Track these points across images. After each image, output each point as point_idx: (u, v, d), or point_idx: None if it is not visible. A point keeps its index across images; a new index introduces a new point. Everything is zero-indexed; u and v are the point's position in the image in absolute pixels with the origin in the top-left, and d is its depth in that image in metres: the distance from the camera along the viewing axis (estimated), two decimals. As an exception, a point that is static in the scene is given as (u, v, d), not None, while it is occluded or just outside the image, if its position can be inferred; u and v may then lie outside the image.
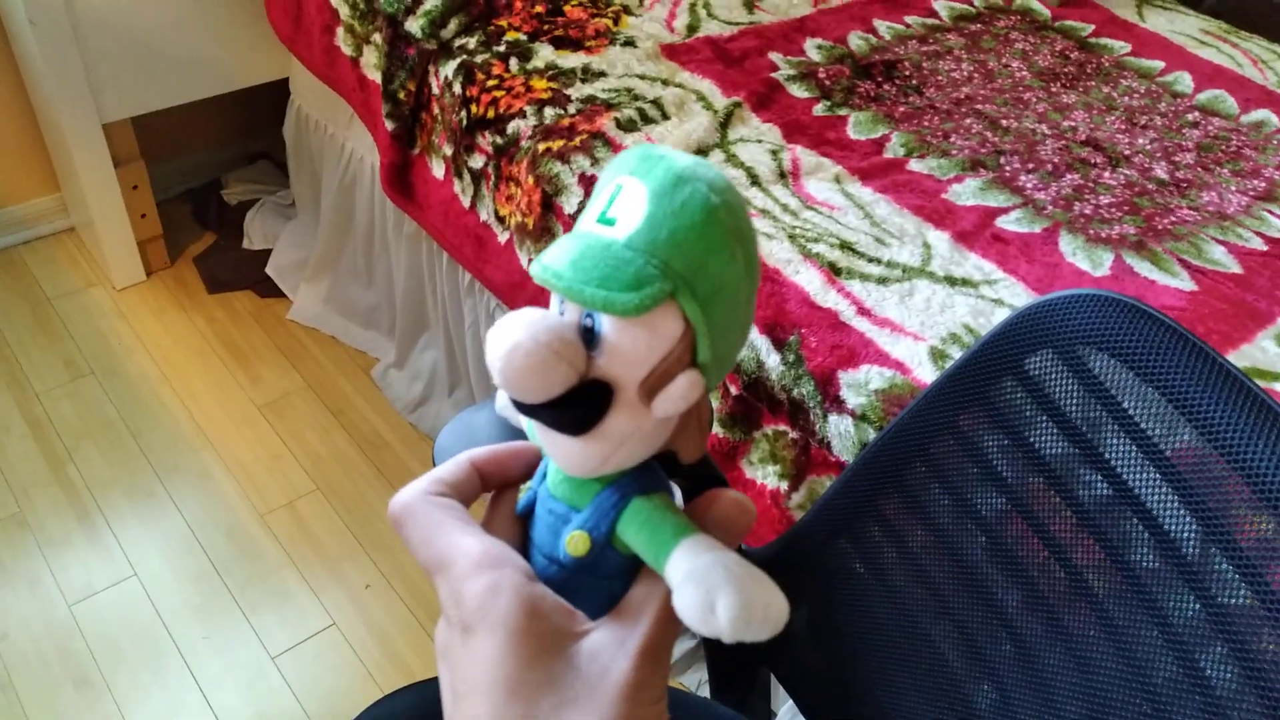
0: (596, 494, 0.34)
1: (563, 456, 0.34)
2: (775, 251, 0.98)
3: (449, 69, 1.26)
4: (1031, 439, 0.44)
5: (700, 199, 0.31)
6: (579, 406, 0.31)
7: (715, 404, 0.96)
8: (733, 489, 0.35)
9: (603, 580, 0.35)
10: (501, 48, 1.28)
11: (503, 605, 0.31)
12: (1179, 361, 0.36)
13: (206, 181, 1.99)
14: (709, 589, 0.30)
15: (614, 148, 1.12)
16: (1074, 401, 0.41)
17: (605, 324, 0.31)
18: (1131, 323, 0.38)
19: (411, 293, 1.55)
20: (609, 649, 0.32)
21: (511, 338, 0.31)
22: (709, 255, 0.31)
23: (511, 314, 0.32)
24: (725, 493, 0.35)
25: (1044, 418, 0.43)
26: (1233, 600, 0.36)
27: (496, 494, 0.38)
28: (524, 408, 0.32)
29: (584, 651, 0.32)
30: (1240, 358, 0.90)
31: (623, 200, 0.32)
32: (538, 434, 0.34)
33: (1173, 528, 0.38)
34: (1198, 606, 0.37)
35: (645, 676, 0.32)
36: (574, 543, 0.34)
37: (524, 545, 0.37)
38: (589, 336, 0.32)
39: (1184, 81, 1.38)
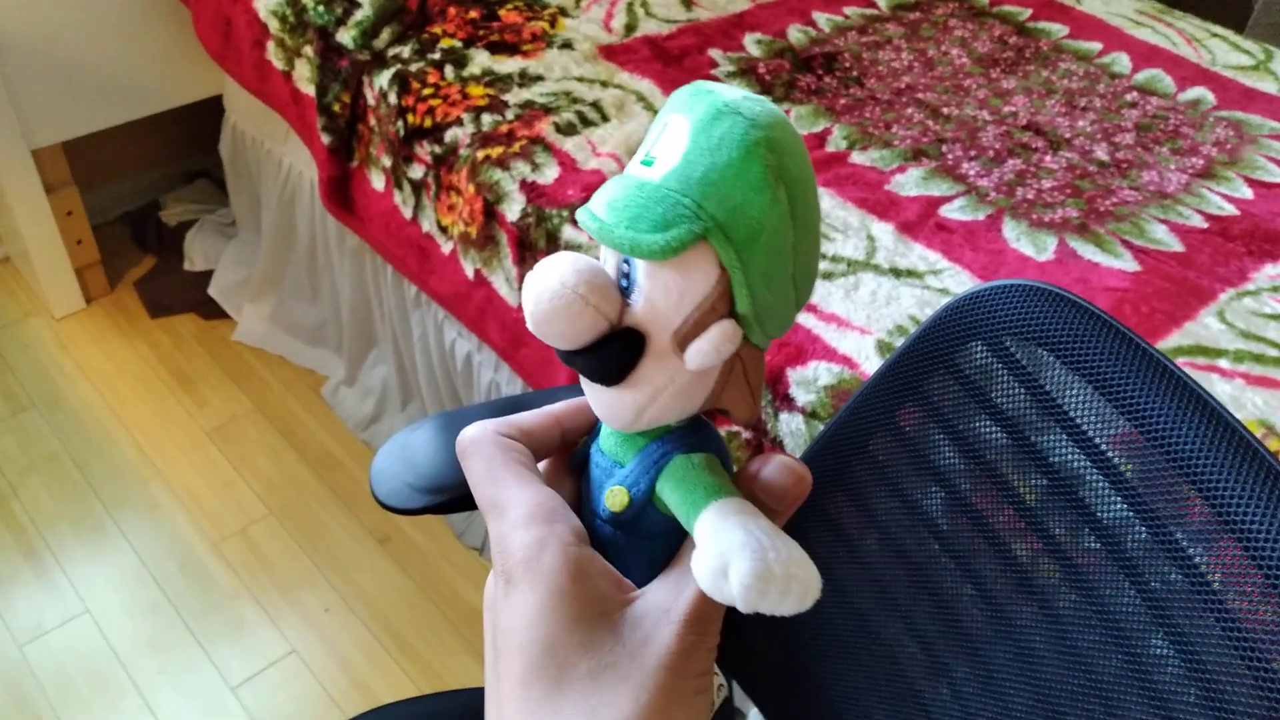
0: (641, 449, 0.33)
1: (601, 407, 0.32)
2: (719, 250, 0.97)
3: (383, 79, 1.24)
4: (966, 433, 0.43)
5: (739, 134, 0.29)
6: (610, 354, 0.30)
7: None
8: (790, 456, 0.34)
9: (642, 540, 0.33)
10: (436, 55, 1.26)
11: (547, 562, 0.30)
12: (1103, 348, 0.35)
13: (144, 203, 1.95)
14: (723, 552, 0.28)
15: (554, 153, 1.11)
16: (1005, 393, 0.40)
17: (639, 270, 0.30)
18: (1055, 311, 0.37)
19: (358, 308, 1.52)
20: (652, 616, 0.31)
21: (542, 281, 0.30)
22: (746, 195, 0.28)
23: (549, 257, 0.30)
24: (778, 456, 0.33)
25: (978, 411, 0.42)
26: (1169, 586, 0.36)
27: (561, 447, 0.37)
28: (560, 354, 0.31)
29: (627, 619, 0.31)
30: (1185, 335, 0.90)
31: (666, 138, 0.30)
32: (583, 385, 0.33)
33: (1107, 517, 0.37)
34: (1135, 594, 0.36)
35: (689, 646, 0.30)
36: (613, 497, 0.33)
37: (578, 501, 0.36)
38: (625, 283, 0.30)
39: (1121, 62, 1.39)
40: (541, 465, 0.36)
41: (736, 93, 0.30)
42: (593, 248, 1.02)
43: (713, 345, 0.29)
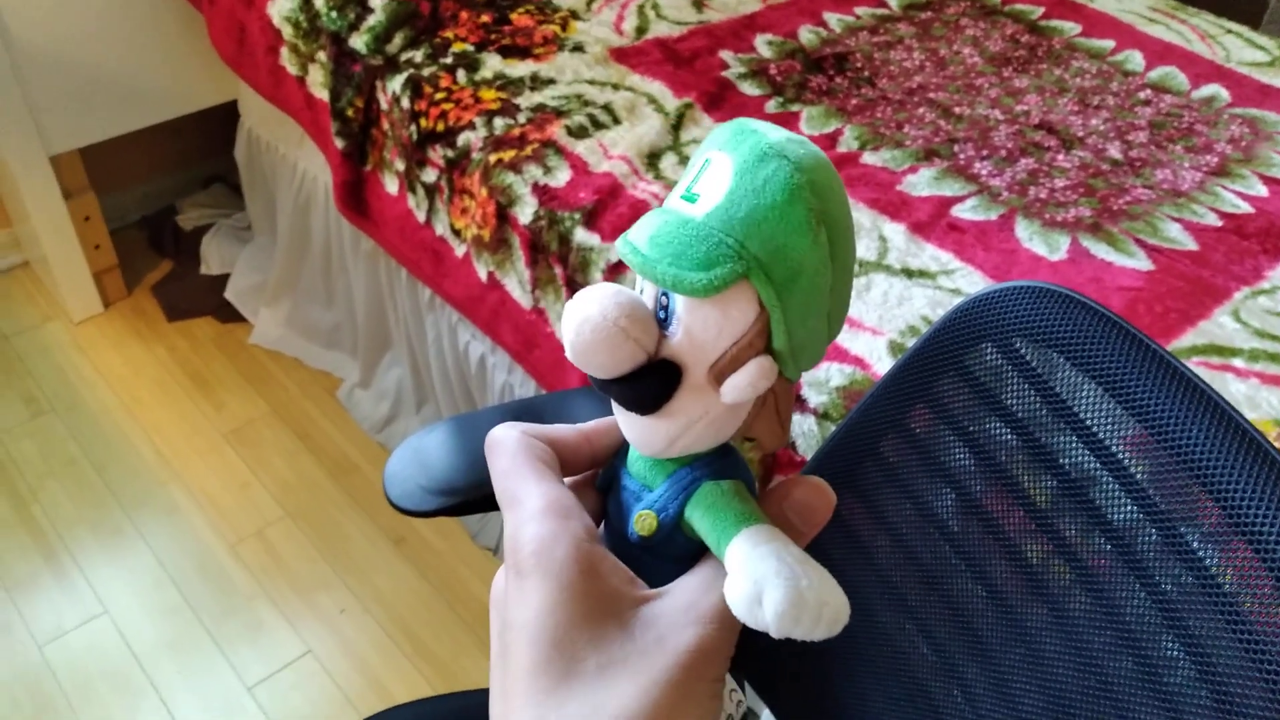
0: (670, 474, 0.33)
1: (633, 434, 0.33)
2: (731, 252, 0.97)
3: (396, 84, 1.24)
4: (977, 434, 0.43)
5: (784, 177, 0.29)
6: (646, 385, 0.31)
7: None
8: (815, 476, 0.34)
9: (668, 564, 0.34)
10: (449, 59, 1.26)
11: (559, 555, 0.31)
12: (1114, 350, 0.35)
13: (161, 208, 1.96)
14: (758, 580, 0.29)
15: (566, 156, 1.11)
16: (1015, 394, 0.40)
17: (679, 303, 0.30)
18: (1066, 313, 0.37)
19: (373, 311, 1.53)
20: (669, 616, 0.31)
21: (583, 311, 0.30)
22: (789, 237, 0.29)
23: (589, 288, 0.31)
24: (806, 478, 0.34)
25: (988, 412, 0.42)
26: (1180, 588, 0.36)
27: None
28: (597, 382, 0.32)
29: (640, 618, 0.31)
30: (1199, 334, 0.90)
31: (708, 175, 0.31)
32: (615, 410, 0.34)
33: (1118, 519, 0.37)
34: (1146, 596, 0.36)
35: (711, 646, 0.30)
36: (642, 521, 0.33)
37: (600, 521, 0.37)
38: (664, 315, 0.31)
39: (1135, 60, 1.38)
40: (568, 481, 0.36)
41: (781, 134, 0.31)
42: (595, 261, 1.02)
43: (749, 381, 0.30)
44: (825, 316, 0.32)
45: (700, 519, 0.32)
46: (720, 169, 0.30)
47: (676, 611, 0.31)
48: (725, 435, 0.33)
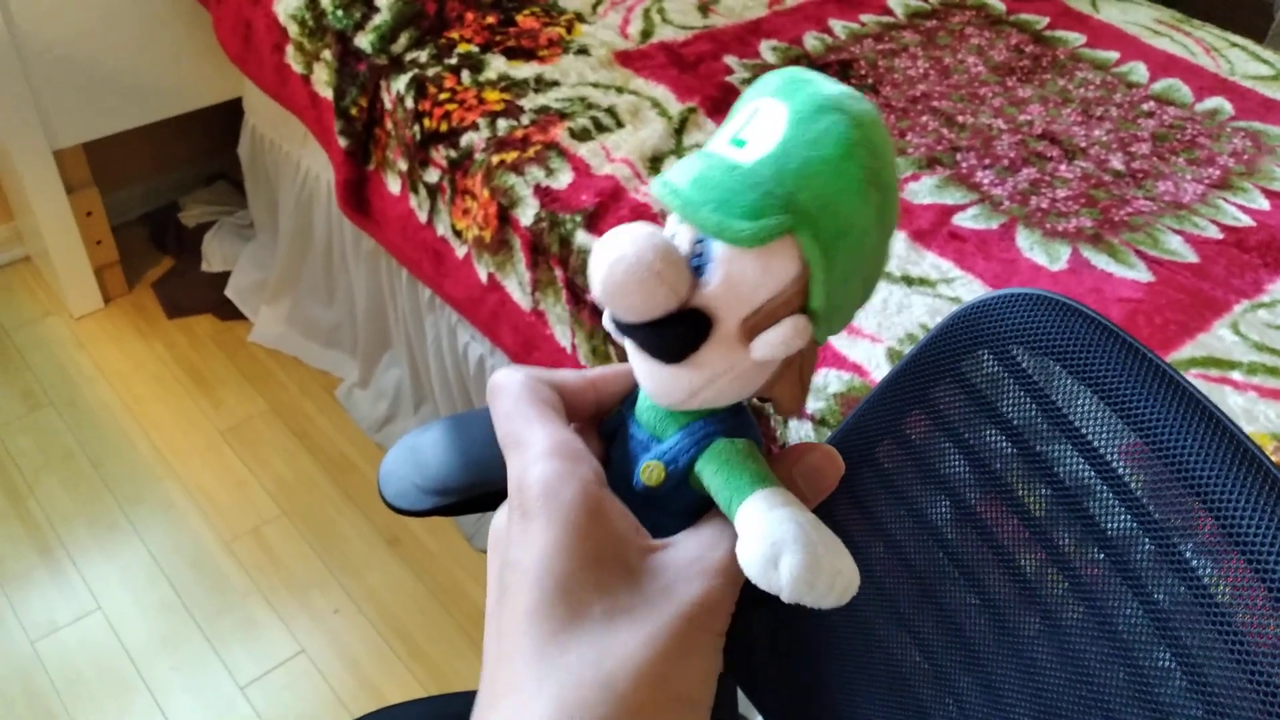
0: (681, 427, 0.32)
1: (651, 383, 0.32)
2: (731, 257, 0.97)
3: (400, 83, 1.24)
4: (973, 442, 0.43)
5: (840, 131, 0.28)
6: (674, 333, 0.29)
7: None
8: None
9: (669, 517, 0.33)
10: (453, 60, 1.26)
11: (567, 496, 0.30)
12: (1111, 359, 0.35)
13: (163, 204, 1.97)
14: (776, 543, 0.28)
15: (568, 158, 1.11)
16: (1012, 403, 0.40)
17: (717, 251, 0.29)
18: (1063, 321, 0.37)
19: (373, 310, 1.53)
20: (675, 567, 0.30)
21: (616, 251, 0.29)
22: (840, 194, 0.28)
23: (621, 227, 0.29)
24: (817, 444, 0.33)
25: (984, 420, 0.42)
26: (1175, 600, 0.35)
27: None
28: (620, 326, 0.31)
29: (647, 567, 0.30)
30: (1198, 347, 0.90)
31: (759, 122, 0.29)
32: (631, 357, 0.33)
33: (1113, 529, 0.37)
34: (1140, 608, 0.36)
35: (717, 600, 0.30)
36: (649, 472, 0.32)
37: (607, 469, 0.35)
38: (698, 262, 0.29)
39: (1139, 71, 1.38)
40: (571, 428, 0.35)
41: (838, 87, 0.29)
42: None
43: (782, 339, 0.29)
44: (863, 280, 0.30)
45: (713, 475, 0.31)
46: (772, 117, 0.29)
47: (684, 563, 0.30)
48: (748, 392, 0.32)
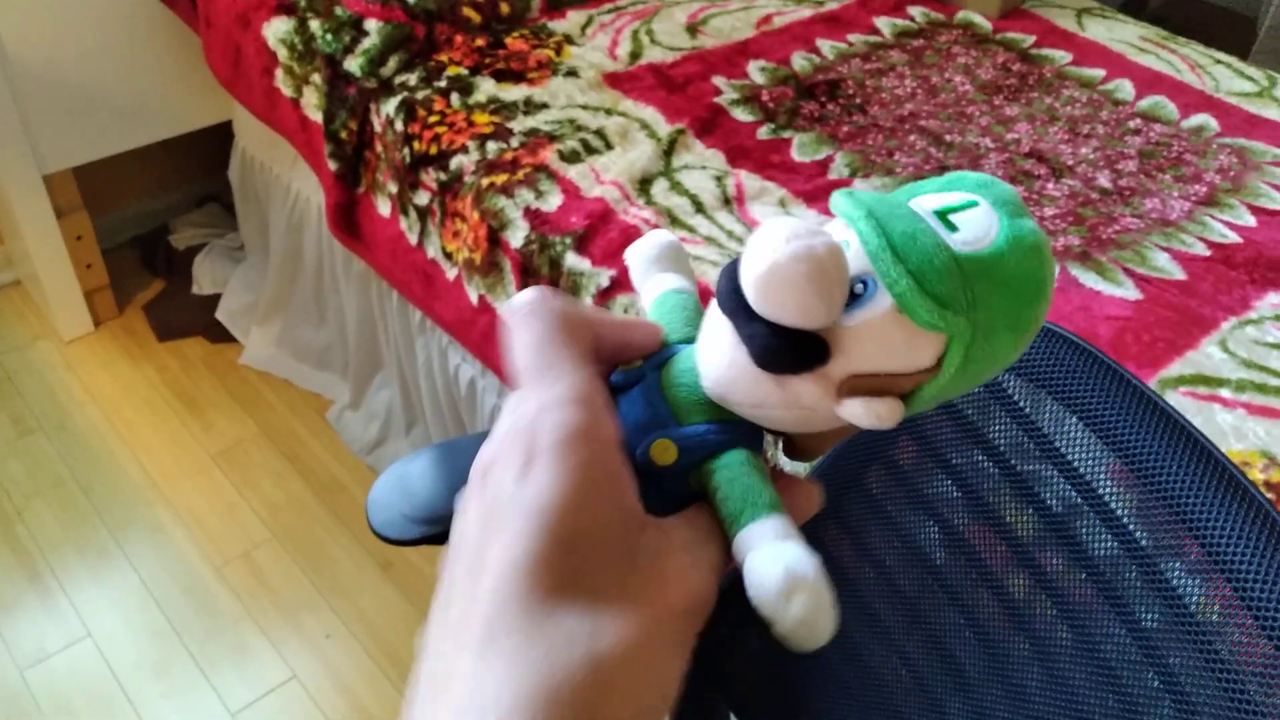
0: (713, 420, 0.31)
1: (726, 371, 0.30)
2: (721, 278, 0.97)
3: (390, 107, 1.25)
4: (961, 467, 0.43)
5: (1037, 279, 0.28)
6: (792, 348, 0.28)
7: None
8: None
9: (651, 502, 0.31)
10: (442, 83, 1.27)
11: (589, 453, 0.27)
12: (1096, 385, 0.35)
13: (154, 227, 1.96)
14: (795, 577, 0.27)
15: (558, 180, 1.12)
16: (998, 428, 0.40)
17: (879, 302, 0.28)
18: (1050, 347, 0.37)
19: (363, 332, 1.53)
20: (674, 555, 0.29)
21: (803, 247, 0.27)
22: (1006, 330, 0.28)
23: (800, 222, 0.28)
24: (802, 482, 0.32)
25: (972, 445, 0.42)
26: (1161, 623, 0.35)
27: None
28: (734, 304, 0.29)
29: (645, 547, 0.28)
30: (1186, 364, 0.90)
31: (973, 216, 0.29)
32: (714, 336, 0.31)
33: (1099, 553, 0.37)
34: (1126, 632, 0.36)
35: (708, 597, 0.28)
36: (660, 450, 0.31)
37: None
38: (851, 295, 0.28)
39: (1125, 89, 1.39)
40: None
41: (1042, 234, 0.30)
42: (586, 286, 1.02)
43: (876, 414, 0.28)
44: (967, 387, 0.30)
45: (729, 482, 0.30)
46: (985, 222, 0.29)
47: (681, 551, 0.29)
48: (801, 430, 0.31)
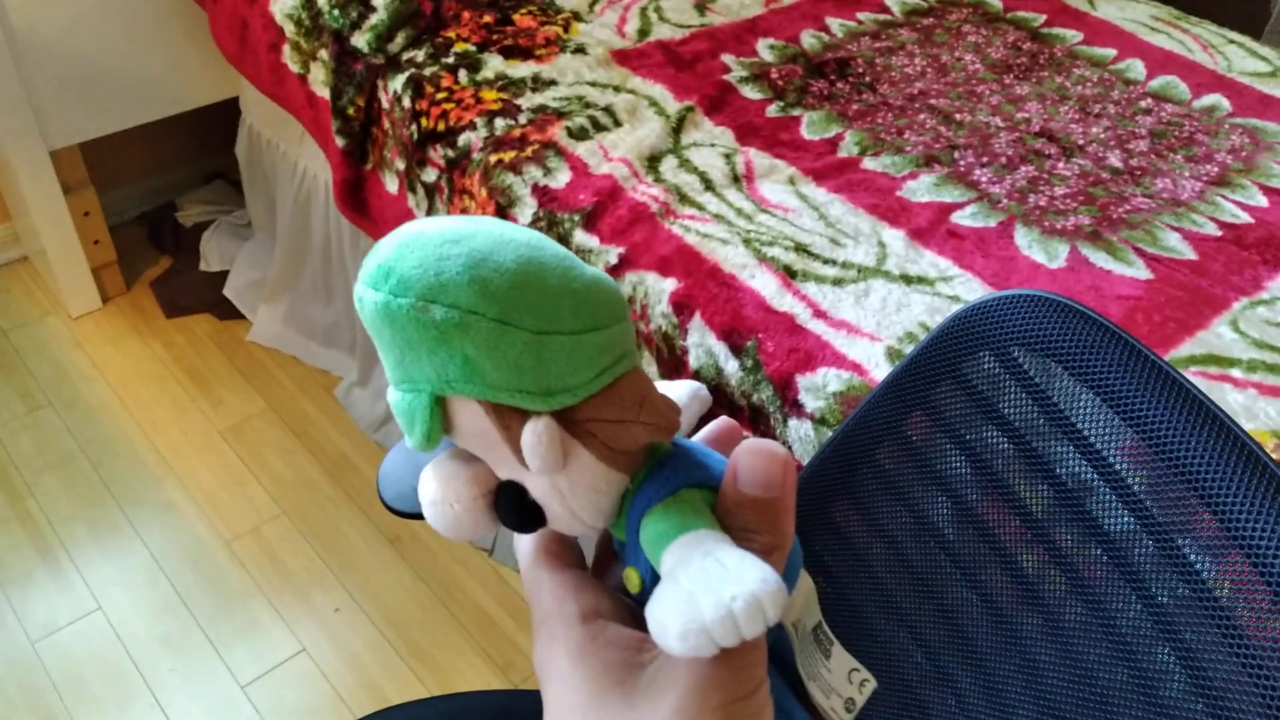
0: (626, 519, 0.31)
1: (562, 518, 0.32)
2: (730, 256, 0.97)
3: (398, 83, 1.24)
4: (974, 442, 0.43)
5: (399, 312, 0.27)
6: (509, 518, 0.31)
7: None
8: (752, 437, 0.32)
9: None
10: (450, 59, 1.26)
11: (554, 664, 0.32)
12: (1111, 360, 0.35)
13: (161, 204, 1.96)
14: (663, 613, 0.27)
15: (566, 157, 1.11)
16: (1012, 404, 0.40)
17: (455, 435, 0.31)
18: (1064, 322, 0.37)
19: (372, 310, 1.53)
20: (663, 667, 0.30)
21: (423, 499, 0.32)
22: (432, 361, 0.28)
23: (425, 472, 0.32)
24: (746, 444, 0.31)
25: (985, 421, 0.42)
26: (1176, 599, 0.36)
27: None
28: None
29: (642, 680, 0.30)
30: (1197, 344, 0.90)
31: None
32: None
33: (1114, 529, 0.37)
34: (1141, 607, 0.36)
35: (706, 682, 0.29)
36: (629, 580, 0.33)
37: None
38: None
39: (1136, 69, 1.38)
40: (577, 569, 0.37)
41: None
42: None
43: (535, 450, 0.28)
44: (520, 352, 0.28)
45: (650, 562, 0.30)
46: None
47: (666, 660, 0.30)
48: (606, 479, 0.30)
